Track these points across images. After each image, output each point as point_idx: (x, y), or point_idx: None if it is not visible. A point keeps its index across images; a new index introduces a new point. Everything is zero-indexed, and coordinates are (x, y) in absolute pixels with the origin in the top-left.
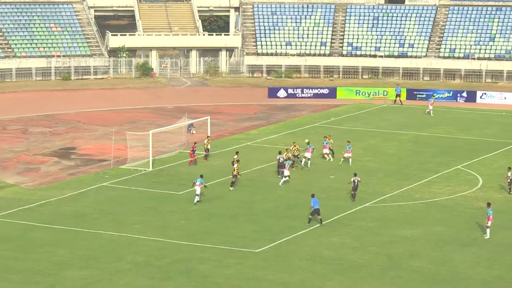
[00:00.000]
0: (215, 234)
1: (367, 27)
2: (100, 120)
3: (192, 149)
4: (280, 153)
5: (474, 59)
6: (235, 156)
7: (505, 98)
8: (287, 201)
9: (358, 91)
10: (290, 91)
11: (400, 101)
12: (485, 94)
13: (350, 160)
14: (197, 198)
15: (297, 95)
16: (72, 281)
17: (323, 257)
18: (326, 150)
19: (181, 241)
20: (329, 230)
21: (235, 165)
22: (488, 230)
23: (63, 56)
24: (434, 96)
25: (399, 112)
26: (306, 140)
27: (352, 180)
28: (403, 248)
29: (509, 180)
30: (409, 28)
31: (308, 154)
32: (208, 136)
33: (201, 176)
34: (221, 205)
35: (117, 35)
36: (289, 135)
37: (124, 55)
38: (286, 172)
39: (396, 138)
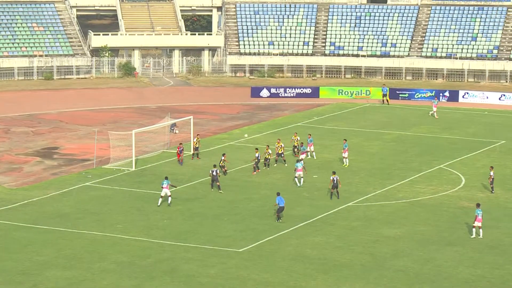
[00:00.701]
0: (199, 233)
1: (350, 26)
2: (83, 119)
3: (178, 149)
4: (257, 149)
5: (456, 58)
6: (223, 157)
7: (487, 97)
8: (270, 201)
9: (340, 91)
10: (273, 90)
11: (387, 100)
12: (467, 93)
13: (347, 160)
14: (169, 199)
15: (280, 95)
16: (55, 281)
17: (307, 257)
18: (311, 148)
19: (165, 241)
20: (312, 229)
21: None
22: (474, 230)
23: (45, 55)
24: (436, 98)
25: (382, 111)
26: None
27: (331, 178)
28: (386, 248)
29: (491, 179)
30: (391, 28)
31: (302, 156)
32: (198, 135)
33: (166, 178)
34: (204, 205)
35: (99, 34)
36: (272, 134)
37: (107, 54)
38: (298, 173)
39: (379, 138)
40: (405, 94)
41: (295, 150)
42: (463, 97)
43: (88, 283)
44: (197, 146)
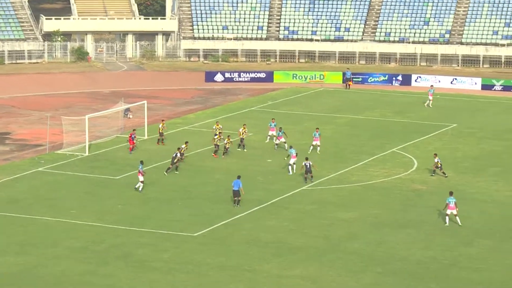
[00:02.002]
0: (153, 218)
1: (304, 11)
2: (35, 104)
3: (130, 135)
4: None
5: (409, 42)
6: (183, 146)
7: (439, 81)
8: (225, 185)
9: (295, 75)
10: (227, 75)
11: (348, 85)
12: (420, 77)
13: (319, 148)
14: (141, 186)
15: (234, 79)
16: (7, 267)
17: (261, 240)
18: (272, 132)
19: (119, 226)
20: (266, 213)
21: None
22: (447, 218)
23: None
24: (433, 86)
25: (336, 95)
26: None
27: (303, 164)
28: (340, 230)
29: (437, 166)
30: (345, 12)
31: (281, 140)
32: (162, 120)
33: (142, 162)
34: (158, 190)
35: (51, 19)
36: (226, 119)
37: (59, 39)
38: (293, 160)
39: (332, 122)
40: (359, 78)
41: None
42: (415, 81)
43: (41, 269)
44: (162, 131)
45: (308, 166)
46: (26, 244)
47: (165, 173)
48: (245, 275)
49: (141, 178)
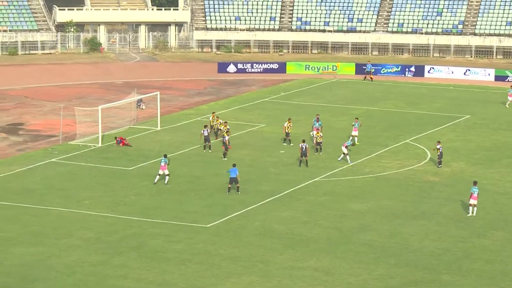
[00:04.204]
0: (166, 209)
1: (316, 1)
2: (48, 95)
3: (120, 139)
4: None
5: (422, 33)
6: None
7: (452, 72)
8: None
9: (307, 66)
10: (240, 66)
11: (371, 77)
12: (432, 68)
13: (356, 138)
14: (167, 178)
15: (247, 70)
16: (21, 257)
17: (274, 232)
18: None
19: (132, 217)
20: (279, 204)
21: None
22: (470, 208)
23: (10, 30)
24: None
25: (349, 87)
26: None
27: (300, 146)
28: (353, 222)
29: (438, 153)
30: (357, 3)
31: (313, 132)
32: (213, 113)
33: (165, 156)
34: (171, 180)
35: (64, 9)
36: (239, 110)
37: (72, 30)
38: (345, 150)
39: (345, 113)
40: (372, 69)
41: (218, 132)
42: (428, 72)
43: (54, 259)
44: (216, 125)
45: (304, 149)
46: (39, 234)
47: (224, 158)
48: (258, 267)
49: (166, 171)
